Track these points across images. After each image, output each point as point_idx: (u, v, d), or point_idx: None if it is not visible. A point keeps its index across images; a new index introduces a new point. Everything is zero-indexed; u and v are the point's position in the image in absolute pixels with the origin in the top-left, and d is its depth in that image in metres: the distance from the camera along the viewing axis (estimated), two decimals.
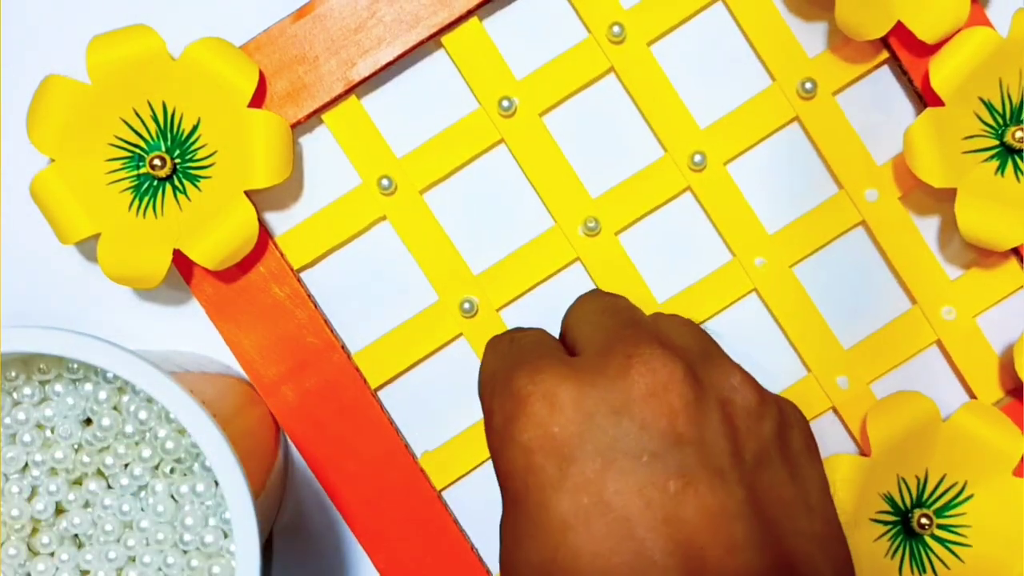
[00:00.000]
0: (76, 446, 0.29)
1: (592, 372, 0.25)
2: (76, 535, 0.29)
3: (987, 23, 0.32)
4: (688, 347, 0.26)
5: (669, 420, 0.24)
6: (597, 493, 0.23)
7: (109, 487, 0.29)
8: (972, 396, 0.33)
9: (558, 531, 0.23)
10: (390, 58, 0.32)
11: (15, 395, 0.29)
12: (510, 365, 0.26)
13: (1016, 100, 0.31)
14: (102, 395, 0.29)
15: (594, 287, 0.32)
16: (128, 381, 0.27)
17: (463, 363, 0.33)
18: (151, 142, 0.31)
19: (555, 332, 0.32)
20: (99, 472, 0.29)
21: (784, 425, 0.25)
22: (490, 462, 0.33)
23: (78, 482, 0.29)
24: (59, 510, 0.29)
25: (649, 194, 0.32)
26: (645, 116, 0.32)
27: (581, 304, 0.29)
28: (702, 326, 0.32)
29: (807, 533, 0.24)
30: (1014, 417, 0.32)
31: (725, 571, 0.22)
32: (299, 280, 0.32)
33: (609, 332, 0.26)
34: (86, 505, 0.29)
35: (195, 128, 0.30)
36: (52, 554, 0.29)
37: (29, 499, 0.29)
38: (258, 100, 0.31)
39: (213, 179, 0.30)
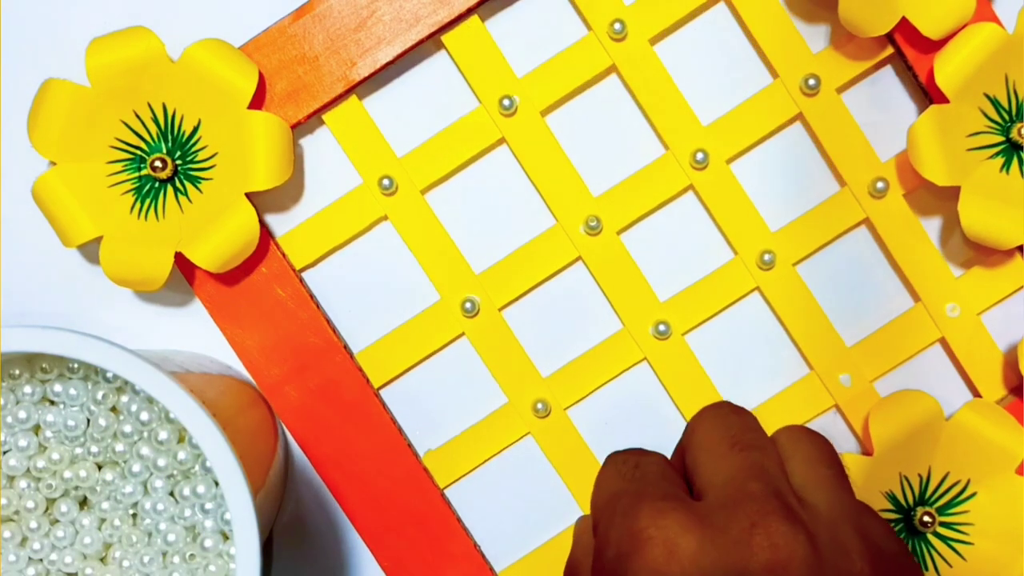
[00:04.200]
0: (73, 456, 0.29)
1: (714, 528, 0.25)
2: (77, 531, 0.29)
3: (993, 19, 0.31)
4: (817, 509, 0.26)
5: None
6: None
7: (109, 492, 0.29)
8: (976, 394, 0.33)
9: None
10: (390, 57, 0.31)
11: (16, 393, 0.29)
12: (634, 496, 0.26)
13: (1022, 96, 0.31)
14: (101, 395, 0.29)
15: (716, 404, 0.31)
16: (128, 381, 0.27)
17: (465, 362, 0.33)
18: (152, 144, 0.31)
19: (557, 323, 0.32)
20: (100, 469, 0.29)
21: None
22: (495, 460, 0.33)
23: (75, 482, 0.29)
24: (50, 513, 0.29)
25: (651, 192, 0.32)
26: (647, 114, 0.32)
27: (706, 425, 0.29)
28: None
29: None
30: (1018, 416, 0.32)
31: None
32: (301, 280, 0.32)
33: (736, 480, 0.26)
34: (84, 503, 0.29)
35: (195, 130, 0.30)
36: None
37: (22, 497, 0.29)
38: (258, 101, 0.31)
39: (214, 181, 0.30)
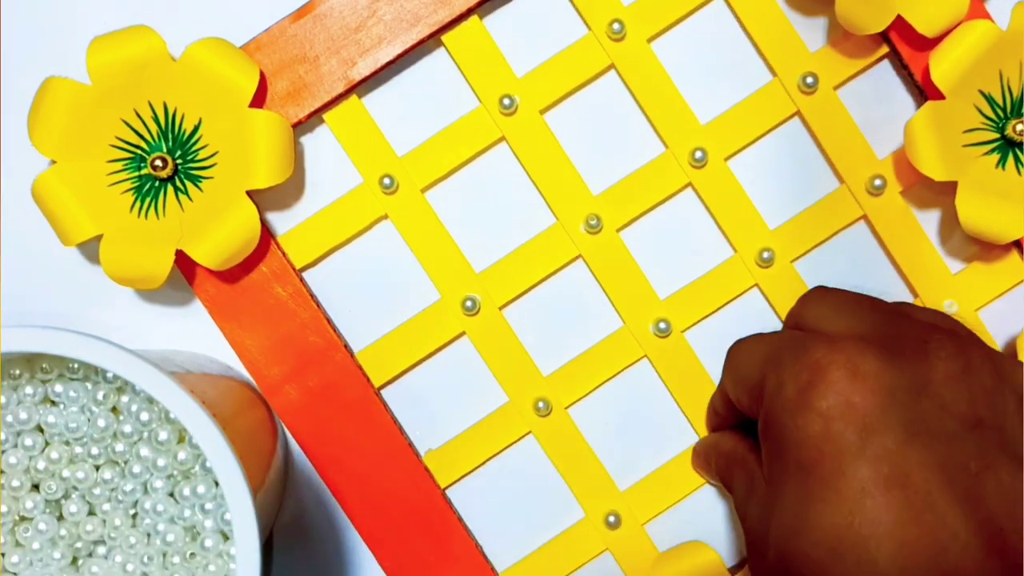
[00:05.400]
0: (73, 456, 0.29)
1: (888, 350, 0.25)
2: (76, 523, 0.29)
3: (987, 16, 0.32)
4: (969, 337, 0.27)
5: (970, 404, 0.25)
6: (898, 464, 0.24)
7: (111, 491, 0.29)
8: None
9: (855, 497, 0.24)
10: (391, 57, 0.32)
11: (18, 393, 0.29)
12: (798, 341, 0.26)
13: (1016, 93, 0.31)
14: (101, 395, 0.29)
15: (813, 289, 0.32)
16: (129, 381, 0.26)
17: (466, 361, 0.33)
18: (152, 143, 0.31)
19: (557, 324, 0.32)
20: (97, 470, 0.29)
21: None
22: (496, 459, 0.33)
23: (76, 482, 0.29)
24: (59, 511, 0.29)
25: (650, 191, 0.32)
26: (646, 113, 0.32)
27: (816, 300, 0.30)
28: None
29: None
30: None
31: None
32: (301, 279, 0.32)
33: (885, 320, 0.27)
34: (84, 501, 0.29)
35: (196, 128, 0.30)
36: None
37: (16, 498, 0.29)
38: (259, 100, 0.31)
39: (215, 179, 0.30)
